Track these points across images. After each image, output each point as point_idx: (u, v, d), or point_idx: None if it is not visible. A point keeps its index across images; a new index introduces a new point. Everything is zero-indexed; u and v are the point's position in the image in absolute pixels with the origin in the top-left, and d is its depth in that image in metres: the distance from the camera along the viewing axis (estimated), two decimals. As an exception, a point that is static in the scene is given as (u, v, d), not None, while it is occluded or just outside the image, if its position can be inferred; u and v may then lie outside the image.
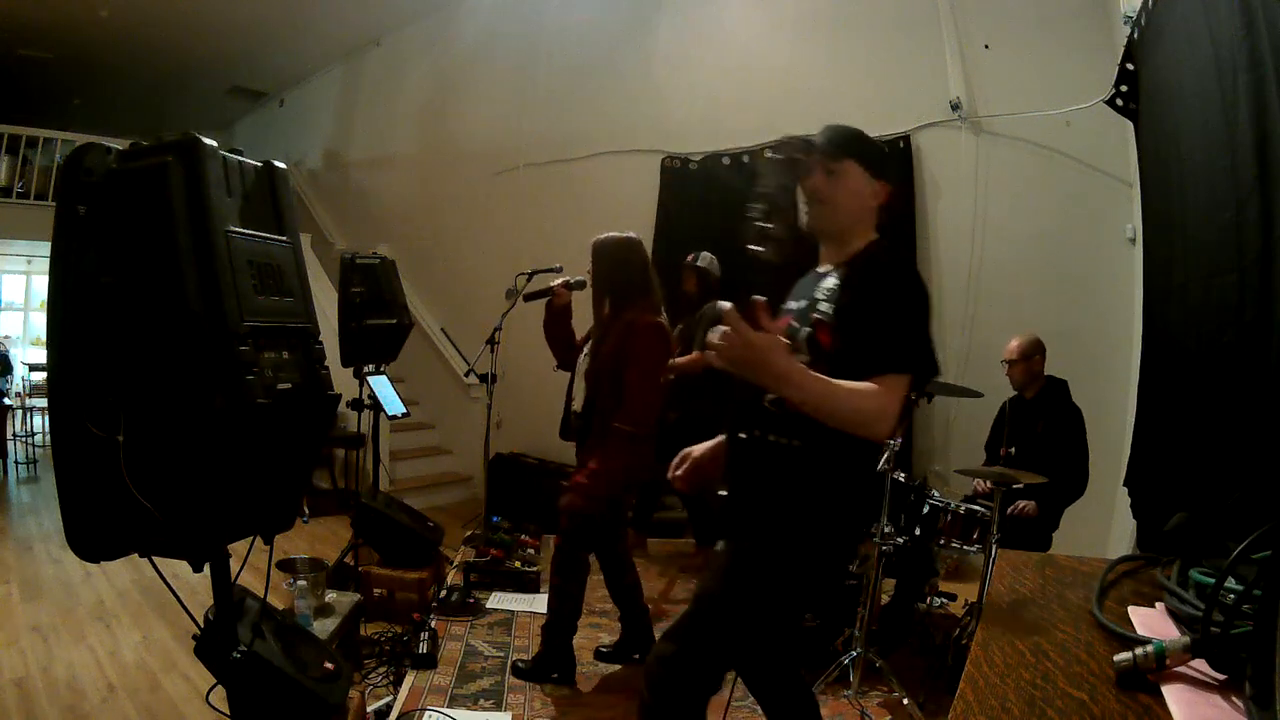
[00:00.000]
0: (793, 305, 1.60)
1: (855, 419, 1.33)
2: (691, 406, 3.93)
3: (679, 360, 3.95)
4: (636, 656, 2.87)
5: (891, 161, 4.37)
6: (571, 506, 2.57)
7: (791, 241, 1.38)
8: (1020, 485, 2.90)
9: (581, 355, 2.78)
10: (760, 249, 1.22)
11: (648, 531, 4.48)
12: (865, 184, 1.54)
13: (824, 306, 1.49)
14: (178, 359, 1.26)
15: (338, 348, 3.28)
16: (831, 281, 1.52)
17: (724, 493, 1.56)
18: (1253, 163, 1.55)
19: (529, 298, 3.04)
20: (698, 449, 1.72)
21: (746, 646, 1.60)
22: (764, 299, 1.27)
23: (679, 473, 1.71)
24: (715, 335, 1.26)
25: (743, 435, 1.54)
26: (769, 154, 1.49)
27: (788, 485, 1.47)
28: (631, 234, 2.75)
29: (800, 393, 1.30)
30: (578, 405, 2.72)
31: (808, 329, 1.50)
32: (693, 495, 1.73)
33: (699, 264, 4.16)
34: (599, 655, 2.97)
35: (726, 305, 1.24)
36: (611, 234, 2.73)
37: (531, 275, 3.70)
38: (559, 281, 2.87)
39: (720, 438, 1.69)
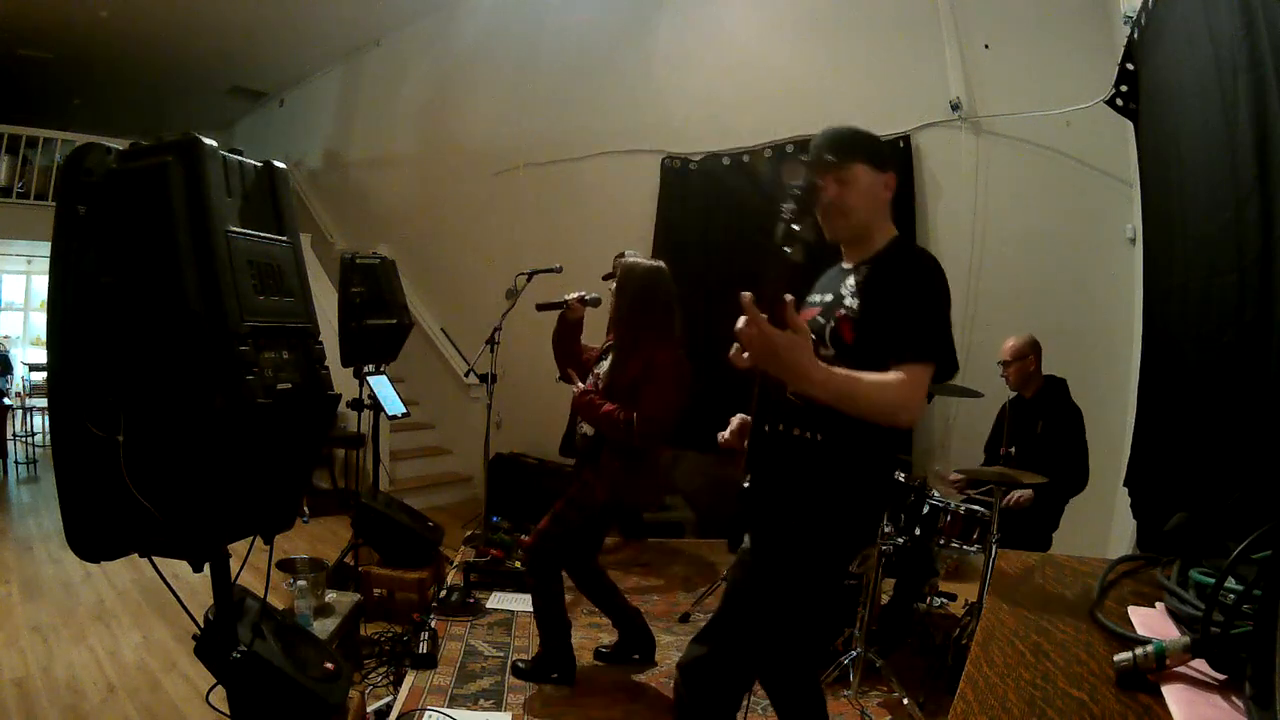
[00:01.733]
0: (816, 299, 1.62)
1: (879, 410, 1.35)
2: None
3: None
4: (636, 656, 2.87)
5: (892, 159, 4.34)
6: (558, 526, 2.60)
7: (817, 242, 1.38)
8: (1027, 489, 2.90)
9: (595, 375, 2.73)
10: (789, 249, 1.22)
11: (635, 534, 4.48)
12: (875, 180, 1.55)
13: (849, 302, 1.52)
14: (178, 359, 1.26)
15: (338, 348, 3.28)
16: (855, 278, 1.55)
17: (745, 484, 1.56)
18: (1253, 163, 1.55)
19: (542, 308, 2.98)
20: (739, 427, 1.71)
21: (779, 642, 1.61)
22: (792, 298, 1.27)
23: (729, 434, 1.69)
24: (737, 326, 1.27)
25: (766, 428, 1.55)
26: (800, 157, 1.53)
27: (809, 479, 1.49)
28: (660, 263, 2.72)
29: (823, 390, 1.31)
30: (589, 428, 2.68)
31: (832, 324, 1.52)
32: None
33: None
34: (599, 655, 2.97)
35: (746, 295, 1.25)
36: (641, 260, 2.73)
37: (531, 275, 3.69)
38: (575, 296, 2.82)
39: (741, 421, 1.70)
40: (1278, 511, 0.86)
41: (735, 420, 1.72)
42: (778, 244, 1.23)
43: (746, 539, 1.62)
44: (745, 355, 1.29)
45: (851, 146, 1.56)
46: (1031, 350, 3.19)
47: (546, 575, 2.68)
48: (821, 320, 1.56)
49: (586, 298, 2.84)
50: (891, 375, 1.36)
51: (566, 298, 2.83)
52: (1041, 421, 3.13)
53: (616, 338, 2.70)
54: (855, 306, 1.50)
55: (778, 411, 1.53)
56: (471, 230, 6.27)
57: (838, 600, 2.86)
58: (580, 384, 2.65)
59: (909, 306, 1.43)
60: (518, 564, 3.76)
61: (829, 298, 1.59)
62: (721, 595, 1.64)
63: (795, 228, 1.23)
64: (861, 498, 1.53)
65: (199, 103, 8.88)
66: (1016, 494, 2.99)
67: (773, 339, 1.24)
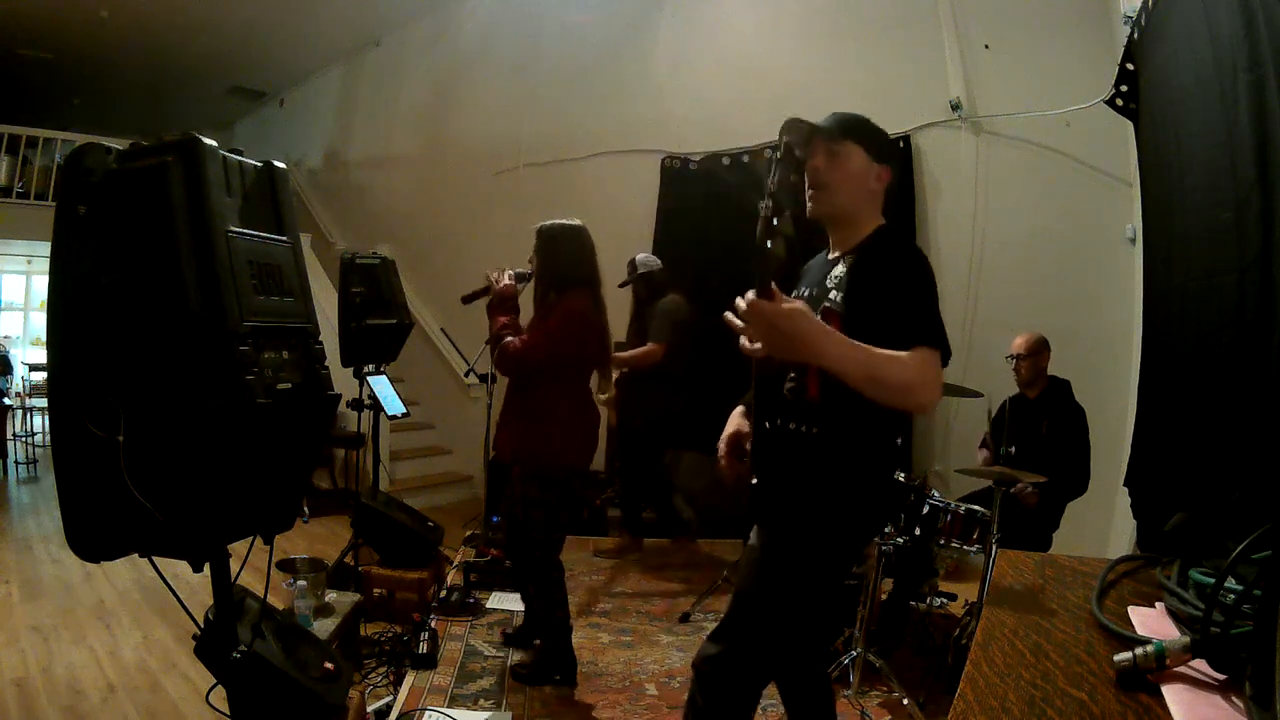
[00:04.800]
0: (803, 292, 1.60)
1: (900, 386, 1.30)
2: (663, 403, 3.97)
3: (626, 354, 3.97)
4: (557, 678, 2.72)
5: (898, 160, 4.34)
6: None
7: (798, 237, 1.37)
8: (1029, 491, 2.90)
9: None
10: (769, 244, 1.22)
11: (639, 532, 4.48)
12: (866, 166, 1.53)
13: (834, 295, 1.49)
14: (177, 359, 1.26)
15: (338, 348, 3.28)
16: (841, 269, 1.52)
17: (754, 481, 1.56)
18: (1253, 163, 1.55)
19: (467, 299, 2.87)
20: (730, 436, 1.71)
21: (792, 638, 1.59)
22: (776, 288, 1.26)
23: (725, 459, 1.69)
24: (739, 324, 1.25)
25: (766, 424, 1.54)
26: (780, 139, 1.49)
27: (811, 474, 1.48)
28: (577, 221, 2.68)
29: (842, 361, 1.27)
30: None
31: (817, 317, 1.49)
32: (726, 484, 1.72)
33: (640, 268, 4.17)
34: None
35: (745, 297, 1.24)
36: (557, 221, 2.68)
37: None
38: (496, 273, 2.75)
39: (735, 425, 1.69)
40: (1278, 511, 0.86)
41: (728, 429, 1.71)
42: (759, 241, 1.21)
43: (753, 534, 1.61)
44: (755, 345, 1.27)
45: (849, 126, 1.53)
46: (1044, 347, 3.20)
47: (551, 581, 2.68)
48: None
49: (516, 273, 2.75)
50: (907, 354, 1.31)
51: (490, 275, 2.74)
52: (1047, 422, 3.13)
53: (536, 301, 2.68)
54: (840, 299, 1.47)
55: (775, 407, 1.52)
56: (471, 230, 6.27)
57: (843, 595, 2.86)
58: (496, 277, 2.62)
59: (910, 294, 1.40)
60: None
61: (814, 291, 1.56)
62: (732, 593, 1.62)
63: (774, 221, 1.22)
64: (862, 491, 1.51)
65: (199, 103, 8.89)
66: (1023, 486, 2.98)
67: (772, 315, 1.22)
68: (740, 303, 1.26)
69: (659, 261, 4.21)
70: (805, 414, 1.48)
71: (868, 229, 1.55)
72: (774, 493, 1.54)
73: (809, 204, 1.55)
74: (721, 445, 1.70)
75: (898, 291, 1.41)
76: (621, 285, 4.07)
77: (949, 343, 1.42)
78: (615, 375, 4.08)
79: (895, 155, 1.61)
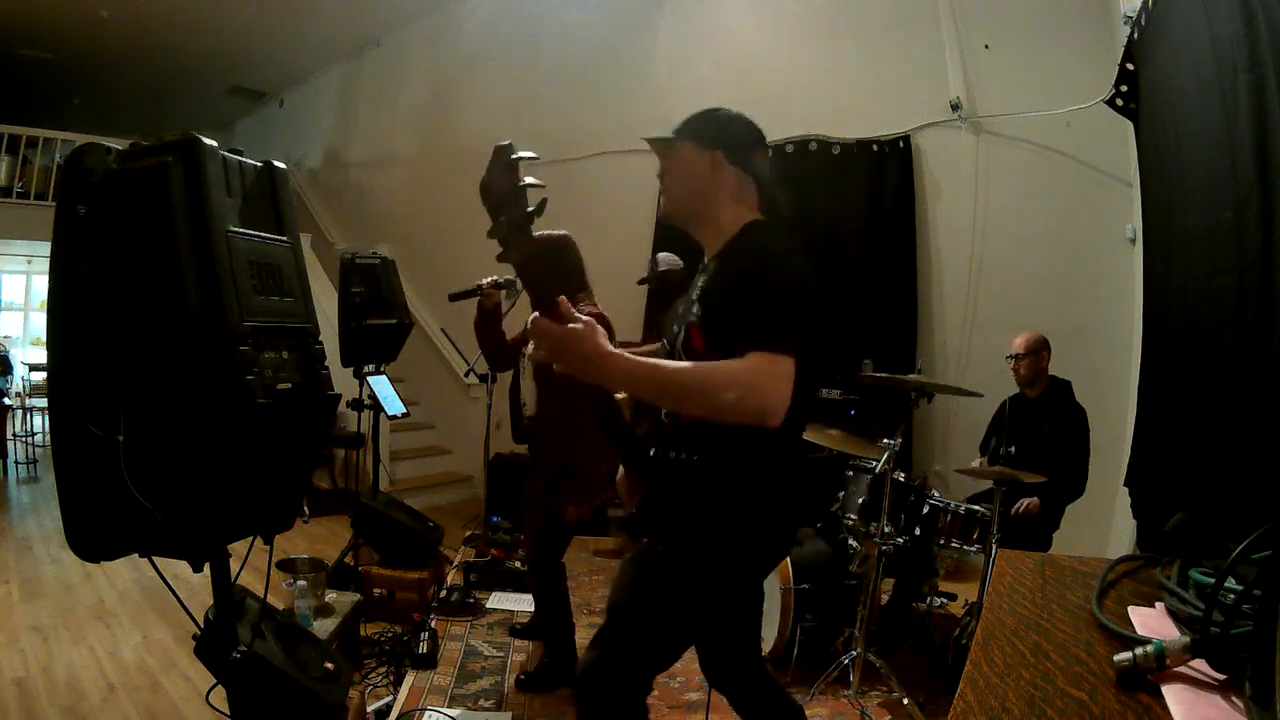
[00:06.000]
0: (678, 308, 1.50)
1: (717, 399, 1.16)
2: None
3: (638, 349, 3.95)
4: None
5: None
6: (579, 516, 2.56)
7: (528, 239, 1.25)
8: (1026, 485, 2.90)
9: (524, 357, 2.72)
10: (503, 254, 1.18)
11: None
12: (694, 157, 1.42)
13: (695, 307, 1.38)
14: (178, 359, 1.26)
15: (338, 348, 3.28)
16: (703, 277, 1.43)
17: (630, 511, 1.50)
18: (1253, 163, 1.55)
19: (454, 297, 2.85)
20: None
21: (670, 649, 1.50)
22: (562, 296, 1.20)
23: (623, 493, 1.61)
24: (527, 347, 1.23)
25: (653, 451, 1.45)
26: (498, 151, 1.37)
27: (692, 500, 1.38)
28: (564, 232, 2.66)
29: (630, 380, 1.19)
30: (530, 409, 2.67)
31: (682, 334, 1.39)
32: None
33: (661, 266, 4.15)
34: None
35: (532, 314, 1.19)
36: (541, 232, 2.69)
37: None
38: (488, 281, 2.75)
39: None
40: (1278, 511, 0.86)
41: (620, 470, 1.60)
42: (499, 255, 1.18)
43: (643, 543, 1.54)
44: (540, 353, 1.22)
45: (683, 123, 1.45)
46: (1044, 346, 3.20)
47: (551, 576, 2.68)
48: (676, 330, 1.43)
49: (500, 281, 2.76)
50: (734, 361, 1.19)
51: (480, 283, 2.75)
52: (1048, 422, 3.13)
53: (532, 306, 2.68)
54: (699, 311, 1.36)
55: (655, 434, 1.43)
56: (471, 230, 6.21)
57: (835, 600, 2.86)
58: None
59: (751, 292, 1.25)
60: (518, 564, 3.76)
61: (682, 306, 1.46)
62: (609, 599, 1.54)
63: (501, 223, 1.17)
64: (752, 515, 1.39)
65: (199, 103, 8.89)
66: (1024, 502, 2.99)
67: (551, 333, 1.17)
68: (528, 320, 1.21)
69: (680, 261, 4.18)
70: (683, 439, 1.38)
71: (733, 227, 1.42)
72: (652, 519, 1.46)
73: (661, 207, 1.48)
74: (618, 481, 1.61)
75: (740, 291, 1.27)
76: (640, 283, 4.05)
77: (819, 346, 1.30)
78: None
79: (734, 136, 1.45)
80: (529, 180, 1.21)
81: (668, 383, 1.19)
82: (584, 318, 1.20)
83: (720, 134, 1.45)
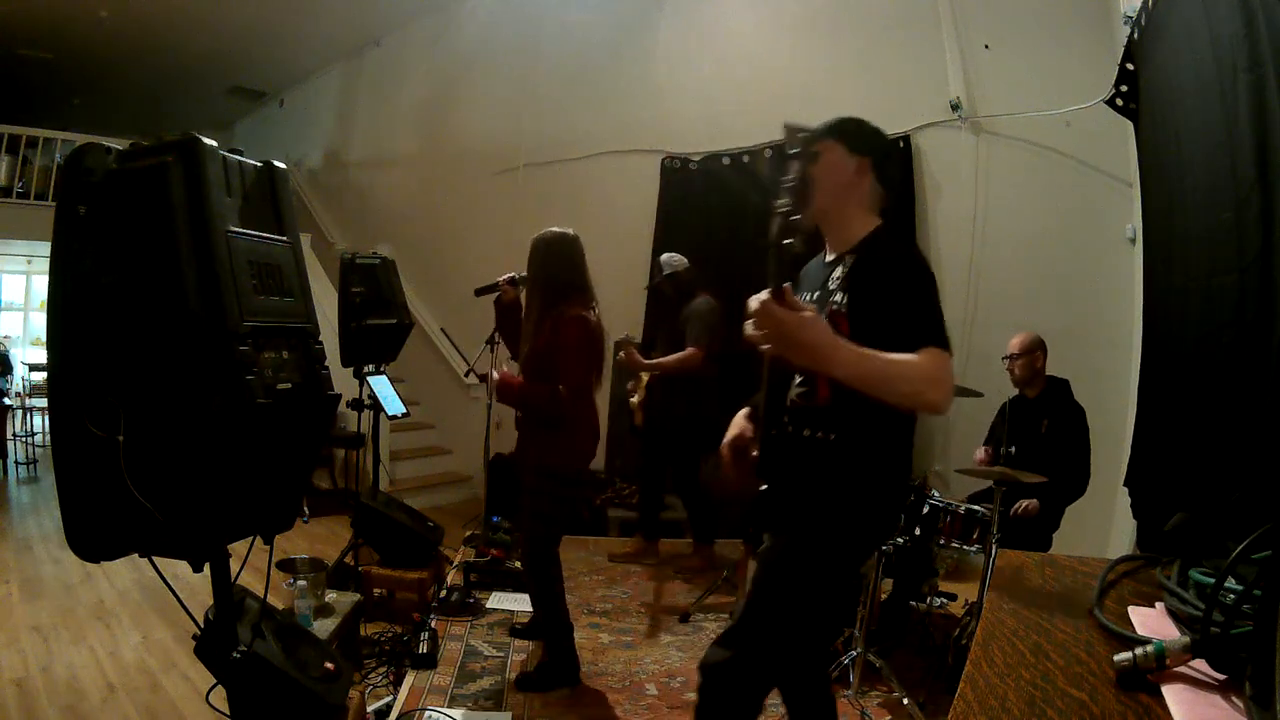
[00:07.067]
0: (805, 295, 1.59)
1: (913, 388, 1.30)
2: (697, 407, 3.93)
3: (669, 360, 3.96)
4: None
5: (892, 156, 4.38)
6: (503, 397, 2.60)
7: (813, 233, 1.36)
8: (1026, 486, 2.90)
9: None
10: (789, 241, 1.21)
11: (656, 535, 4.44)
12: (844, 159, 1.52)
13: (838, 296, 1.48)
14: (177, 359, 1.26)
15: (338, 348, 3.28)
16: (840, 270, 1.52)
17: (763, 487, 1.54)
18: (1253, 163, 1.55)
19: (479, 292, 3.08)
20: (733, 440, 1.67)
21: (802, 644, 1.59)
22: (790, 290, 1.25)
23: (731, 470, 1.67)
24: (748, 326, 1.25)
25: (774, 431, 1.53)
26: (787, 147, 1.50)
27: (827, 479, 1.48)
28: (569, 230, 2.71)
29: (852, 368, 1.27)
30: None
31: (824, 319, 1.48)
32: (728, 493, 1.70)
33: (665, 268, 4.14)
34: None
35: (758, 297, 1.24)
36: (550, 229, 2.72)
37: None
38: (505, 278, 2.89)
39: (739, 429, 1.66)
40: (1278, 511, 0.86)
41: (730, 432, 1.66)
42: (774, 238, 1.20)
43: (765, 540, 1.60)
44: (766, 346, 1.27)
45: (829, 125, 1.53)
46: (1039, 347, 3.20)
47: (547, 577, 2.68)
48: None
49: (516, 277, 2.87)
50: (918, 356, 1.30)
51: (498, 279, 2.89)
52: (1047, 421, 3.13)
53: (527, 307, 2.72)
54: (844, 301, 1.47)
55: (784, 412, 1.51)
56: (471, 230, 6.27)
57: (847, 596, 2.85)
58: (495, 373, 2.64)
59: (914, 295, 1.40)
60: (518, 564, 3.76)
61: (816, 294, 1.55)
62: (746, 598, 1.61)
63: (794, 218, 1.20)
64: (881, 495, 1.51)
65: (199, 103, 8.88)
66: (1024, 504, 2.99)
67: (785, 322, 1.22)
68: (753, 302, 1.25)
69: (685, 260, 4.16)
70: (818, 419, 1.47)
71: (863, 229, 1.54)
72: (786, 499, 1.52)
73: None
74: (724, 450, 1.68)
75: (901, 293, 1.41)
76: (647, 288, 4.06)
77: (950, 342, 1.42)
78: (647, 379, 4.06)
79: (879, 147, 1.60)
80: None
81: (879, 372, 1.28)
82: (809, 306, 1.28)
83: (870, 143, 1.57)
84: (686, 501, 4.42)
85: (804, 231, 1.23)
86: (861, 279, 1.47)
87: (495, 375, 2.63)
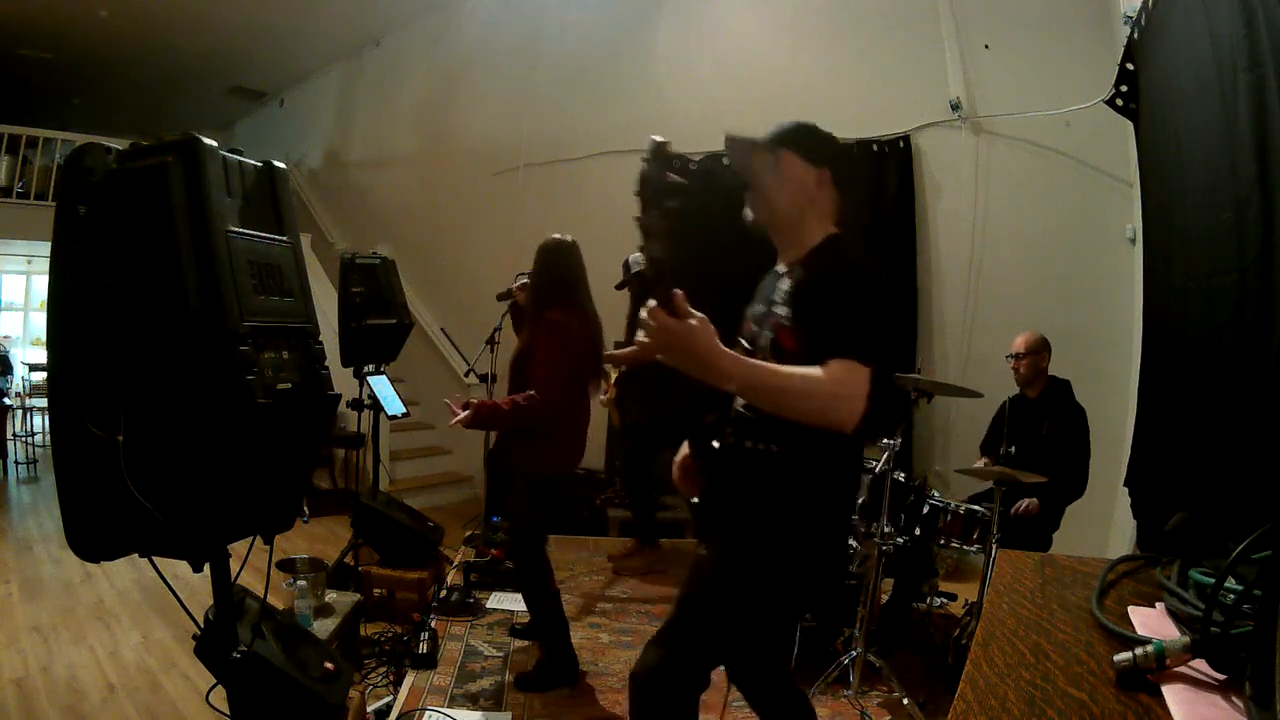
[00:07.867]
0: (756, 309, 1.55)
1: (807, 404, 1.24)
2: (652, 406, 3.93)
3: (619, 352, 3.95)
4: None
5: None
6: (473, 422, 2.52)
7: (669, 255, 1.25)
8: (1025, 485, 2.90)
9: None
10: (648, 241, 1.20)
11: (653, 538, 4.43)
12: (803, 172, 1.46)
13: (781, 310, 1.44)
14: (177, 359, 1.26)
15: (338, 348, 3.28)
16: (787, 283, 1.47)
17: (695, 500, 1.52)
18: (1253, 163, 1.55)
19: (501, 297, 3.17)
20: (682, 460, 1.65)
21: (731, 649, 1.56)
22: (681, 291, 1.20)
23: (680, 481, 1.65)
24: (639, 335, 1.22)
25: (716, 443, 1.49)
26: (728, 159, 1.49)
27: (768, 491, 1.43)
28: (567, 237, 2.73)
29: (733, 380, 1.24)
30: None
31: (768, 333, 1.45)
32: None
33: (632, 268, 4.14)
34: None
35: (648, 304, 1.20)
36: (551, 236, 2.74)
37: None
38: (519, 282, 2.95)
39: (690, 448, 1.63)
40: (1278, 511, 0.86)
41: (681, 450, 1.63)
42: (643, 246, 1.19)
43: (701, 549, 1.57)
44: (649, 349, 1.24)
45: (783, 132, 1.48)
46: (1044, 347, 3.20)
47: (536, 577, 2.68)
48: (756, 329, 1.49)
49: (528, 281, 2.93)
50: (820, 369, 1.25)
51: (511, 286, 2.96)
52: (1047, 422, 3.13)
53: (526, 313, 2.76)
54: (787, 314, 1.42)
55: (731, 423, 1.47)
56: (471, 230, 6.27)
57: (837, 601, 2.86)
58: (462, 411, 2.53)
59: (838, 304, 1.33)
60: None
61: (762, 308, 1.51)
62: (674, 601, 1.57)
63: (645, 224, 1.19)
64: (822, 510, 1.45)
65: (199, 103, 8.89)
66: (1024, 503, 2.99)
67: (671, 330, 1.18)
68: (642, 311, 1.22)
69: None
70: (760, 430, 1.42)
71: (814, 238, 1.48)
72: (721, 510, 1.49)
73: (748, 211, 1.52)
74: (675, 470, 1.64)
75: (827, 302, 1.34)
76: (617, 287, 4.06)
77: (895, 356, 1.37)
78: (614, 375, 4.06)
79: (837, 155, 1.55)
80: (675, 178, 1.27)
81: (767, 385, 1.25)
82: (699, 315, 1.23)
83: (827, 152, 1.51)
84: (631, 499, 4.41)
85: (659, 239, 1.20)
86: (802, 289, 1.42)
87: (466, 414, 2.47)
